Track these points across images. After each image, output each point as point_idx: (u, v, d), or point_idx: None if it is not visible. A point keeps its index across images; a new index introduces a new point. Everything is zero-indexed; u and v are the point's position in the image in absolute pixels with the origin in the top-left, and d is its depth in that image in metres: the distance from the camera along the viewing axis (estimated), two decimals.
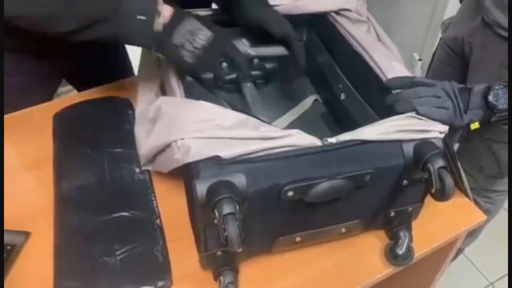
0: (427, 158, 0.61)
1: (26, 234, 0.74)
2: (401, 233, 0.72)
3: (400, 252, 0.71)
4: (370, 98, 0.80)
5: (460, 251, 1.40)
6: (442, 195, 0.60)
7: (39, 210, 0.77)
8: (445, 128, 0.66)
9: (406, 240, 0.71)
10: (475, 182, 1.17)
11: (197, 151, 0.57)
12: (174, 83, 0.71)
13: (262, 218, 0.62)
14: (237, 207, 0.54)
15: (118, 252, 0.72)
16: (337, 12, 0.89)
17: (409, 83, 0.69)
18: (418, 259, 0.76)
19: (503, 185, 1.16)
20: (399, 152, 0.63)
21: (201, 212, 0.57)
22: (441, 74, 1.18)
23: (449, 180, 0.60)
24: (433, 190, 0.61)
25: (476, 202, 1.19)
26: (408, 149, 0.63)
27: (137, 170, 0.83)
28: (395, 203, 0.70)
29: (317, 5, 0.90)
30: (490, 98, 0.67)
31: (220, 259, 0.64)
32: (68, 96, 1.00)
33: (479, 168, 1.15)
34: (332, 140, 0.61)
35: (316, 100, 0.98)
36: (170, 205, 0.78)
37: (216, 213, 0.53)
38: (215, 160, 0.57)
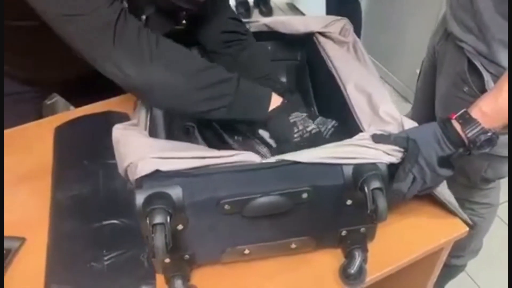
0: (364, 179, 0.62)
1: (22, 240, 0.81)
2: (356, 253, 0.72)
3: (351, 272, 0.71)
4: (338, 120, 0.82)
5: (461, 267, 1.34)
6: (376, 216, 0.61)
7: (35, 218, 0.85)
8: (393, 159, 0.66)
9: (359, 259, 0.72)
10: (454, 192, 1.14)
11: (142, 168, 0.63)
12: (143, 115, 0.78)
13: (204, 229, 0.67)
14: (168, 218, 0.59)
15: (105, 258, 0.78)
16: (321, 33, 0.93)
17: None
18: (404, 269, 0.77)
19: (485, 197, 1.11)
20: (339, 172, 0.65)
21: (140, 221, 0.62)
22: (423, 88, 1.18)
23: (381, 203, 0.60)
24: (368, 211, 0.62)
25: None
26: (348, 169, 0.65)
27: None
28: (344, 223, 0.71)
29: (301, 25, 0.94)
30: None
31: (169, 265, 0.69)
32: (69, 111, 1.08)
33: (452, 178, 1.12)
34: (271, 159, 0.65)
35: None
36: None
37: (148, 222, 0.59)
38: (157, 174, 0.62)
